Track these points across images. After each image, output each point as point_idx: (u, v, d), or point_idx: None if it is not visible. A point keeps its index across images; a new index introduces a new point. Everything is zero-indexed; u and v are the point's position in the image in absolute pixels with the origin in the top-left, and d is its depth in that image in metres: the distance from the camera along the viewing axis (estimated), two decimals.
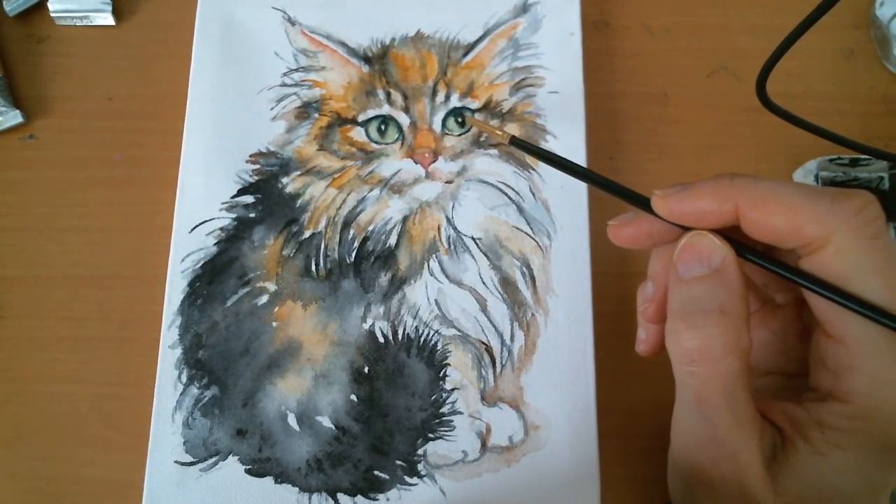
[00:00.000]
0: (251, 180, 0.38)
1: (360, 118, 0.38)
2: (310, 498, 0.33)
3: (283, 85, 0.39)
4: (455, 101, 0.38)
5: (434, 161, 0.37)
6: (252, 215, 0.37)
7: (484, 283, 0.36)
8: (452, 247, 0.36)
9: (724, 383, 0.22)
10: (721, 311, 0.22)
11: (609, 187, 0.26)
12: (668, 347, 0.24)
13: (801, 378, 0.26)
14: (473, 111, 0.38)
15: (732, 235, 0.24)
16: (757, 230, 0.23)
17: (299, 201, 0.37)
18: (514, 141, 0.29)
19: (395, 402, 0.34)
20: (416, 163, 0.37)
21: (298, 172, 0.38)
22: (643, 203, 0.25)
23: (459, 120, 0.38)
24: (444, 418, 0.34)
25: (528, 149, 0.29)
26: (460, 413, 0.34)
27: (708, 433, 0.23)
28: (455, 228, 0.37)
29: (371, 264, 0.36)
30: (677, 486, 0.25)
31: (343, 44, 0.40)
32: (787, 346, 0.27)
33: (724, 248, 0.23)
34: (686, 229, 0.24)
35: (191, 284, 0.36)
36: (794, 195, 0.22)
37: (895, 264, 0.21)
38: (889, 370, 0.21)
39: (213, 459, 0.34)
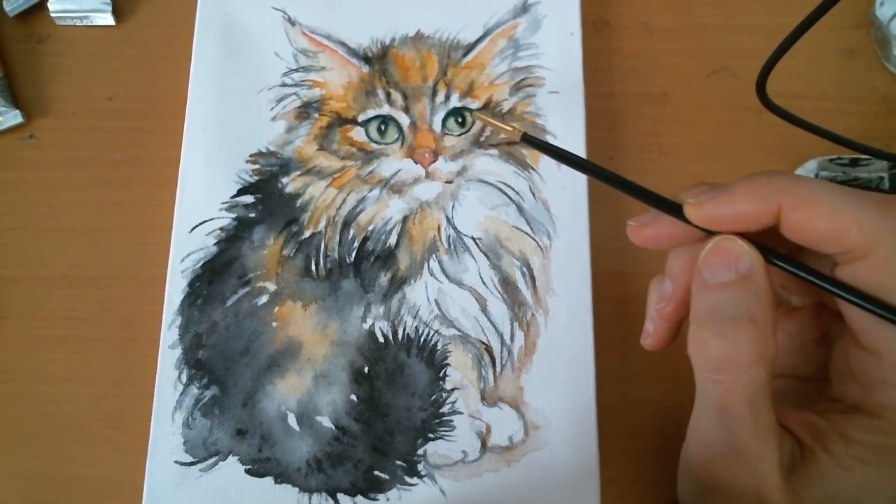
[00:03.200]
0: (251, 180, 0.38)
1: (360, 118, 0.38)
2: (310, 498, 0.33)
3: (283, 85, 0.39)
4: (455, 101, 0.38)
5: (434, 161, 0.37)
6: (252, 215, 0.37)
7: (484, 283, 0.36)
8: (452, 247, 0.36)
9: (749, 393, 0.22)
10: (750, 319, 0.22)
11: (637, 192, 0.25)
12: (692, 353, 0.23)
13: (815, 382, 0.25)
14: (473, 111, 0.38)
15: (759, 240, 0.23)
16: (797, 232, 0.22)
17: (299, 201, 0.37)
18: (526, 137, 0.28)
19: (395, 402, 0.34)
20: (416, 163, 0.37)
21: (298, 172, 0.38)
22: (672, 208, 0.24)
23: (459, 120, 0.38)
24: (444, 418, 0.34)
25: (539, 146, 0.28)
26: (460, 413, 0.34)
27: (728, 442, 0.22)
28: (455, 228, 0.37)
29: (371, 264, 0.36)
30: (689, 490, 0.25)
31: (343, 44, 0.40)
32: (803, 349, 0.26)
33: (753, 253, 0.22)
34: (711, 233, 0.23)
35: (191, 284, 0.36)
36: (838, 198, 0.21)
37: None
38: None
39: (213, 459, 0.34)
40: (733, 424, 0.22)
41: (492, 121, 0.32)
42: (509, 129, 0.29)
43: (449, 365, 0.35)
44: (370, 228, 0.37)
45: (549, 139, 0.38)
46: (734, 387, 0.22)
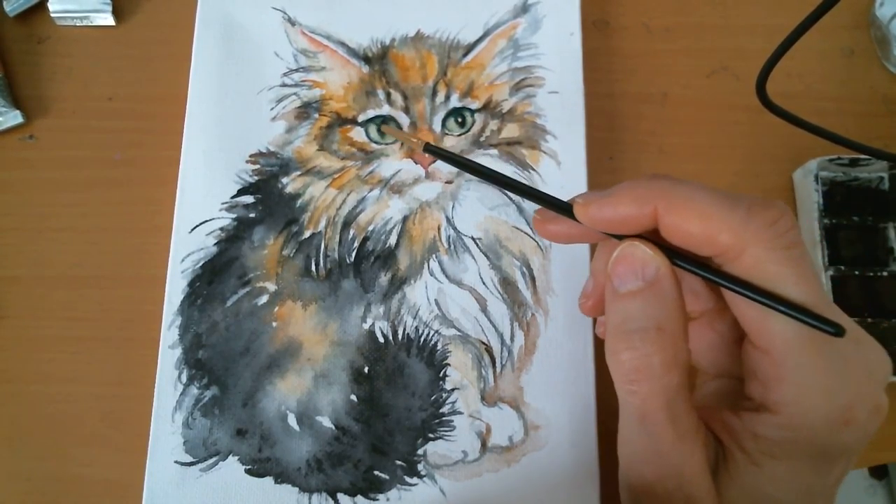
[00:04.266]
0: (251, 180, 0.38)
1: (360, 118, 0.38)
2: (310, 498, 0.33)
3: (283, 85, 0.39)
4: (455, 102, 0.38)
5: (434, 161, 0.37)
6: (252, 215, 0.37)
7: (484, 283, 0.36)
8: (452, 247, 0.36)
9: (664, 399, 0.22)
10: (658, 329, 0.22)
11: (532, 194, 0.26)
12: (609, 365, 0.23)
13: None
14: (474, 111, 0.38)
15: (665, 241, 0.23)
16: (673, 235, 0.22)
17: (299, 201, 0.37)
18: (429, 147, 0.28)
19: (395, 402, 0.34)
20: (416, 163, 0.37)
21: (298, 172, 0.38)
22: (567, 210, 0.24)
23: (459, 120, 0.38)
24: (444, 418, 0.34)
25: (442, 155, 0.28)
26: (460, 413, 0.34)
27: (651, 449, 0.23)
28: (455, 228, 0.37)
29: (371, 264, 0.36)
30: (626, 498, 0.25)
31: (343, 44, 0.40)
32: (730, 349, 0.27)
33: (658, 258, 0.23)
34: (617, 236, 0.24)
35: (191, 284, 0.36)
36: (709, 202, 0.22)
37: (812, 273, 0.21)
38: (811, 379, 0.21)
39: (213, 459, 0.34)
40: (654, 431, 0.22)
41: (398, 133, 0.33)
42: (414, 140, 0.29)
43: (449, 365, 0.35)
44: (370, 228, 0.37)
45: (550, 139, 0.38)
46: (649, 396, 0.22)
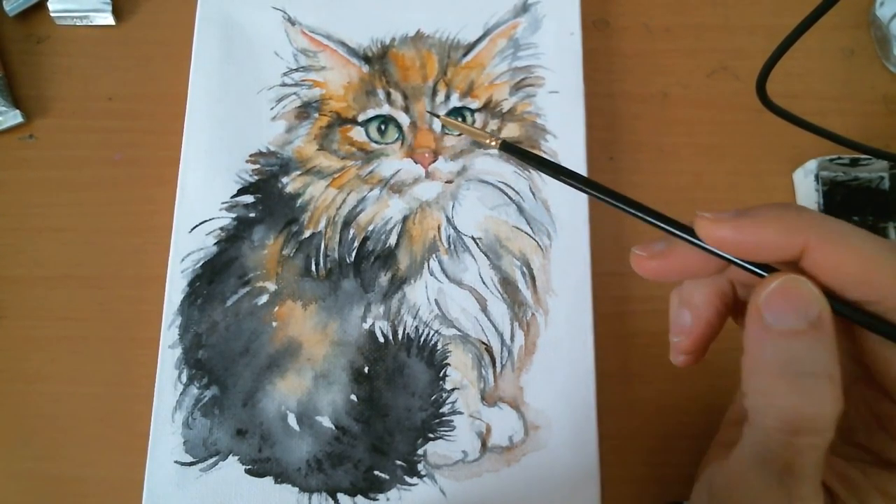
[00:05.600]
0: (251, 180, 0.38)
1: (360, 118, 0.38)
2: (310, 498, 0.33)
3: (283, 85, 0.39)
4: (455, 101, 0.38)
5: (434, 161, 0.37)
6: (252, 215, 0.37)
7: (484, 283, 0.36)
8: (452, 246, 0.36)
9: (818, 455, 0.20)
10: (830, 378, 0.20)
11: (634, 207, 0.22)
12: (755, 404, 0.21)
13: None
14: (474, 111, 0.38)
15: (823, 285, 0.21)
16: (823, 272, 0.20)
17: (299, 201, 0.37)
18: (505, 146, 0.25)
19: (395, 402, 0.34)
20: (416, 162, 0.37)
21: (298, 172, 0.38)
22: (679, 228, 0.21)
23: (459, 120, 0.38)
24: (444, 418, 0.34)
25: (521, 154, 0.25)
26: (460, 413, 0.34)
27: (779, 499, 0.21)
28: (455, 228, 0.37)
29: (371, 264, 0.36)
30: None
31: (343, 44, 0.40)
32: None
33: (823, 299, 0.20)
34: (729, 261, 0.21)
35: (191, 284, 0.36)
36: (869, 243, 0.20)
37: None
38: None
39: (213, 459, 0.34)
40: (793, 486, 0.21)
41: (469, 129, 0.27)
42: (488, 140, 0.26)
43: (449, 365, 0.35)
44: (370, 228, 0.37)
45: (550, 139, 0.38)
46: (806, 450, 0.20)
